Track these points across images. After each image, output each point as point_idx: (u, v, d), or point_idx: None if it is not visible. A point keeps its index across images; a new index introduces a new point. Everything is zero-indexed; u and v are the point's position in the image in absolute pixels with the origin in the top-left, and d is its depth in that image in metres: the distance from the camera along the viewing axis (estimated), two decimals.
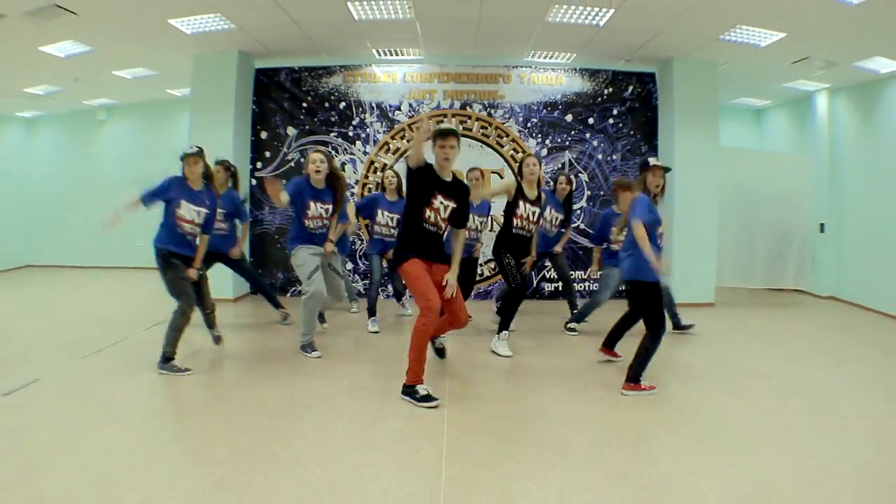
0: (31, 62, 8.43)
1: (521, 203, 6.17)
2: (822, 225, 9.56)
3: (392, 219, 7.02)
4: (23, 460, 3.57)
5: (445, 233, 5.10)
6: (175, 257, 5.45)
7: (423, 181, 4.82)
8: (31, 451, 3.72)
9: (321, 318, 7.17)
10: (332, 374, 5.41)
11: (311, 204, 5.85)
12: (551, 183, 7.32)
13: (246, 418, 4.39)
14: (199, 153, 5.55)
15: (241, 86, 8.89)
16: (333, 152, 9.03)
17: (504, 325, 6.25)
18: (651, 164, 5.03)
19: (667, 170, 5.09)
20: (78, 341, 6.32)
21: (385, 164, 9.00)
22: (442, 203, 4.85)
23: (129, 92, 10.67)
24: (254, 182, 9.19)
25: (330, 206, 5.97)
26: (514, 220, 6.20)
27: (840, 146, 9.57)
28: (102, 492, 3.22)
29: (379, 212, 7.04)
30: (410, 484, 3.40)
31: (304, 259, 5.89)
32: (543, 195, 6.32)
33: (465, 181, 6.40)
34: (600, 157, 9.21)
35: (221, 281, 8.62)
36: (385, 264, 7.33)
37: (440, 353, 5.90)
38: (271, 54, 8.96)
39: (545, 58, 9.11)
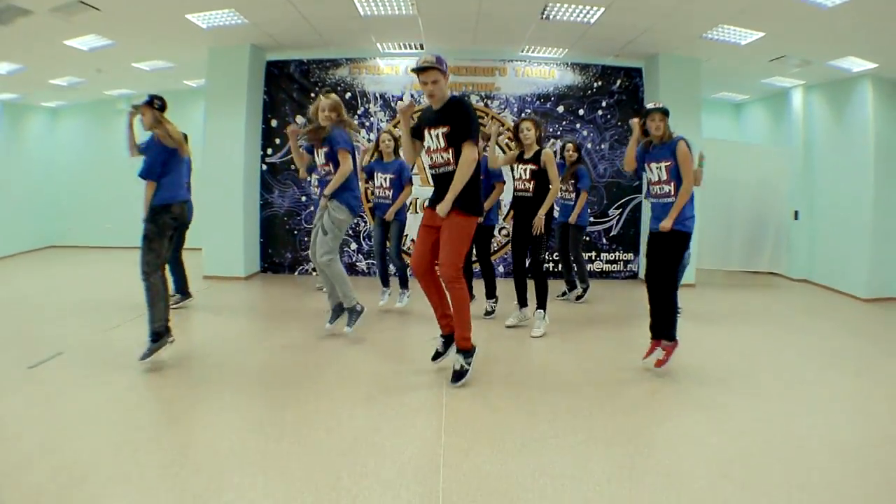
0: (56, 55, 8.43)
1: (515, 165, 6.05)
2: (796, 212, 9.63)
3: (386, 179, 6.84)
4: (47, 430, 3.61)
5: (452, 164, 4.46)
6: None
7: (418, 123, 4.67)
8: (56, 421, 3.75)
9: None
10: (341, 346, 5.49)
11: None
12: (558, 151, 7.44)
13: (254, 391, 4.47)
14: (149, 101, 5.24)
15: (252, 77, 8.93)
16: None
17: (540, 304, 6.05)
18: (648, 108, 4.88)
19: (665, 112, 4.83)
20: (101, 316, 6.35)
21: (380, 131, 9.08)
22: (432, 136, 4.46)
23: (148, 83, 10.60)
24: (264, 167, 9.29)
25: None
26: (514, 183, 6.10)
27: (814, 139, 9.65)
28: (126, 459, 3.26)
29: (375, 175, 6.93)
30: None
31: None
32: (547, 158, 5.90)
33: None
34: (589, 145, 9.27)
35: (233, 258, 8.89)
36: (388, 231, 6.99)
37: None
38: (282, 47, 8.99)
39: (539, 52, 9.16)
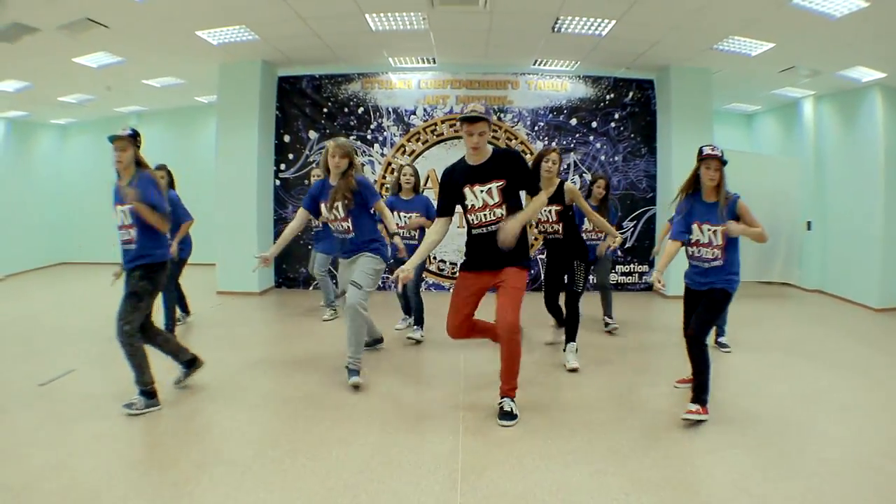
0: (64, 73, 8.32)
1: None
2: (808, 223, 9.45)
3: (409, 218, 6.19)
4: (59, 447, 3.50)
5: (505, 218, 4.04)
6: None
7: (450, 185, 4.17)
8: (67, 438, 3.65)
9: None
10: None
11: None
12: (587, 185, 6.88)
13: (270, 408, 4.35)
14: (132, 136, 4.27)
15: (264, 93, 8.81)
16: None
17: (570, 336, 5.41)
18: (705, 153, 4.06)
19: (723, 162, 4.04)
20: (113, 333, 6.04)
21: (402, 165, 8.80)
22: (480, 192, 4.02)
23: (159, 99, 10.58)
24: (278, 182, 9.16)
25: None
26: (538, 226, 5.44)
27: (825, 149, 9.49)
28: (140, 476, 3.17)
29: (396, 214, 6.12)
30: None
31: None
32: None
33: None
34: (603, 158, 9.14)
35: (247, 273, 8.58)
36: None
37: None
38: (293, 63, 8.87)
39: (551, 65, 9.05)
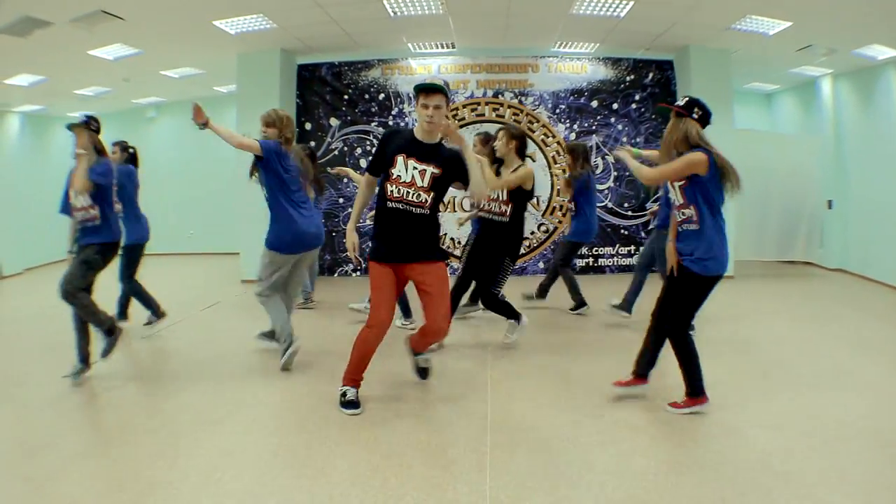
0: (80, 66, 8.25)
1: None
2: (829, 202, 9.28)
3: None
4: (83, 438, 3.55)
5: (429, 211, 3.73)
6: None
7: (385, 146, 3.75)
8: (91, 429, 3.73)
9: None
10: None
11: None
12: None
13: (297, 392, 4.28)
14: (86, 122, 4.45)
15: (284, 81, 8.74)
16: (375, 140, 8.86)
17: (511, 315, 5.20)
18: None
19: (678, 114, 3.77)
20: (131, 326, 6.02)
21: None
22: (412, 168, 3.64)
23: (177, 90, 10.52)
24: None
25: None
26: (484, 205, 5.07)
27: (844, 127, 9.35)
28: (167, 465, 3.13)
29: None
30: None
31: None
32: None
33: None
34: (625, 139, 9.03)
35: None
36: None
37: (422, 373, 4.32)
38: (312, 51, 8.81)
39: (570, 48, 8.94)
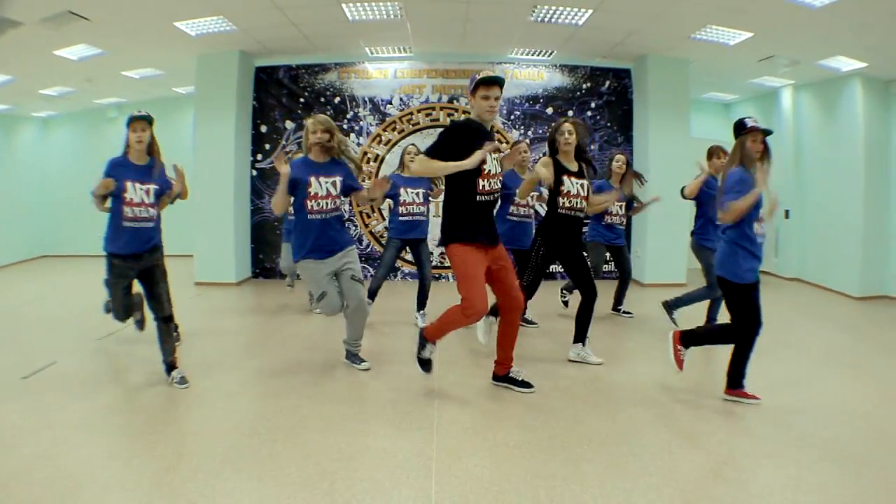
0: (46, 66, 8.42)
1: (564, 178, 4.84)
2: (787, 211, 9.62)
3: (418, 194, 6.05)
4: (42, 438, 3.58)
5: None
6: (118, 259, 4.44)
7: (465, 137, 3.95)
8: (50, 430, 3.72)
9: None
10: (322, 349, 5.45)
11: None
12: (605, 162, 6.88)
13: (248, 396, 4.45)
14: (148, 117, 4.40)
15: (242, 83, 8.91)
16: None
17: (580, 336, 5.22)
18: (749, 125, 3.95)
19: (767, 132, 3.98)
20: (93, 325, 6.26)
21: (377, 155, 9.13)
22: (493, 159, 4.03)
23: (138, 91, 10.67)
24: (255, 173, 9.29)
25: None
26: (560, 200, 4.89)
27: (804, 139, 9.64)
28: (121, 466, 3.25)
29: (402, 190, 6.02)
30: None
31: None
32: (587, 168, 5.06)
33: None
34: None
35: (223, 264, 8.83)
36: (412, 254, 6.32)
37: (524, 385, 4.49)
38: (270, 53, 8.97)
39: (527, 54, 9.16)
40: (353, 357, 5.03)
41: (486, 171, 3.99)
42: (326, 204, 4.53)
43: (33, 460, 3.28)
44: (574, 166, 4.94)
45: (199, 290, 8.42)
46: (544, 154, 5.04)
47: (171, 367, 4.55)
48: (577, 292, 5.41)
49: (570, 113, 9.24)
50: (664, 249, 8.82)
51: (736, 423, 3.96)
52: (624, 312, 7.06)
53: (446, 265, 9.25)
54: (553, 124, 5.09)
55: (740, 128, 3.99)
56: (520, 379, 4.47)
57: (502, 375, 4.52)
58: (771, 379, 4.74)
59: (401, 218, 6.11)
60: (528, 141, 6.49)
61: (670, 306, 6.33)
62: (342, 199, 4.70)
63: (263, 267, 9.43)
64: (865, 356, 5.69)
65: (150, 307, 4.51)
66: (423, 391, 4.48)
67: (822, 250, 9.23)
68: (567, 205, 4.90)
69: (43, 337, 6.01)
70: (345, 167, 4.68)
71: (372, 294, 6.23)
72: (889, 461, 3.40)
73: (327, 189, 4.52)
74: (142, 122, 4.31)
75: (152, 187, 4.37)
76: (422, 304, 6.40)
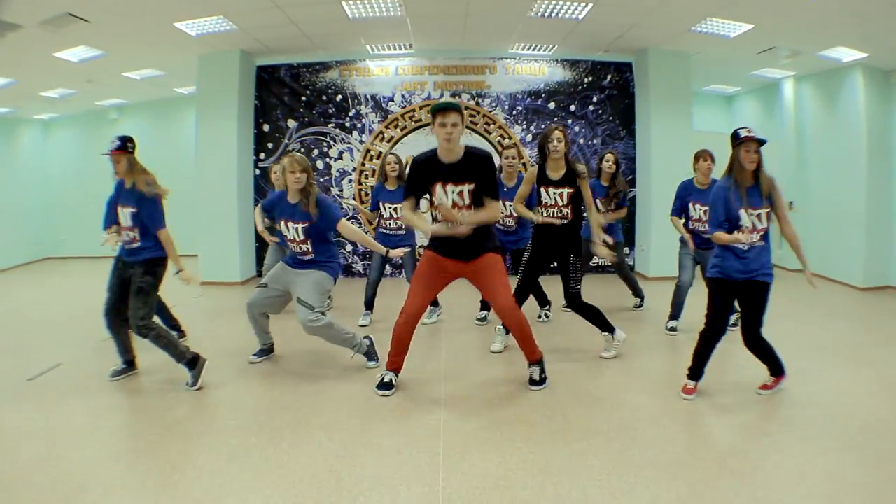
0: (46, 68, 8.42)
1: (542, 190, 5.03)
2: (790, 203, 9.62)
3: (396, 209, 6.09)
4: (47, 441, 3.61)
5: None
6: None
7: (421, 175, 4.14)
8: (55, 432, 3.75)
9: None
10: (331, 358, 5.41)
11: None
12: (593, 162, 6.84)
13: (253, 394, 4.47)
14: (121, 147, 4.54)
15: (243, 83, 8.92)
16: (332, 142, 9.20)
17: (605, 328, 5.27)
18: (742, 136, 3.93)
19: (761, 142, 3.95)
20: (97, 326, 6.14)
21: (380, 152, 9.11)
22: (451, 192, 4.08)
23: (139, 92, 10.68)
24: (258, 172, 9.31)
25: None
26: (540, 210, 5.09)
27: (806, 130, 9.65)
28: (126, 467, 3.27)
29: (381, 204, 6.18)
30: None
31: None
32: (581, 173, 5.01)
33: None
34: (581, 141, 9.29)
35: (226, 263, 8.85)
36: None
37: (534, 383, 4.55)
38: (271, 52, 8.97)
39: (528, 49, 9.14)
40: (356, 355, 5.08)
41: (439, 203, 4.15)
42: (299, 248, 4.79)
43: (38, 462, 3.30)
44: (559, 174, 4.99)
45: (203, 290, 8.42)
46: (533, 164, 5.13)
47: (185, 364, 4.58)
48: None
49: (573, 108, 9.29)
50: (668, 243, 8.80)
51: (740, 415, 3.98)
52: (635, 307, 7.14)
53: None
54: (544, 130, 5.18)
55: (734, 138, 4.02)
56: (535, 378, 4.52)
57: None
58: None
59: (381, 230, 6.31)
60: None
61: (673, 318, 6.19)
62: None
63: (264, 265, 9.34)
64: (870, 347, 5.69)
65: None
66: (429, 387, 4.51)
67: (826, 241, 9.22)
68: (545, 214, 5.05)
69: (47, 339, 6.03)
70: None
71: (368, 303, 6.39)
72: (892, 451, 3.42)
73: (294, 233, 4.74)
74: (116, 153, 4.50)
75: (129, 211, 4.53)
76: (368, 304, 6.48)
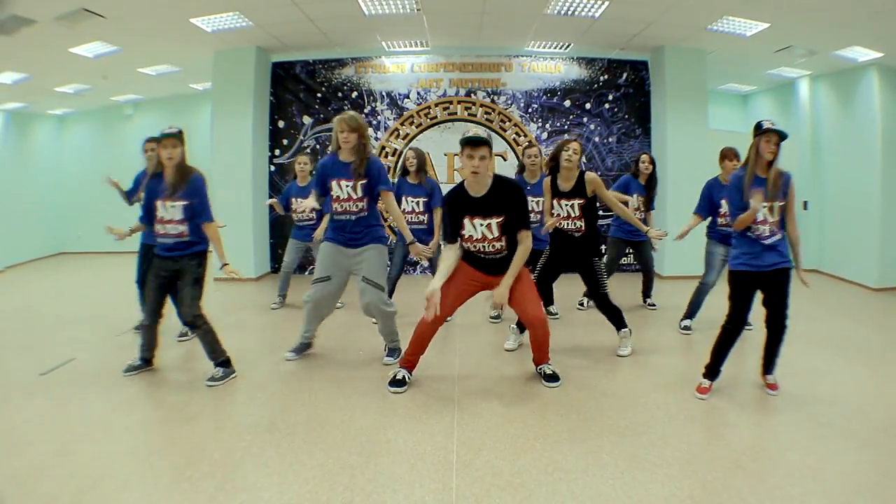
0: (61, 63, 8.47)
1: (553, 201, 5.08)
2: (805, 203, 9.60)
3: (418, 203, 6.09)
4: (60, 436, 3.61)
5: (507, 249, 4.25)
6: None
7: (453, 212, 4.22)
8: (69, 426, 3.76)
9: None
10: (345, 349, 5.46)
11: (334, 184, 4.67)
12: (632, 164, 6.87)
13: (268, 390, 4.45)
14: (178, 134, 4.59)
15: (258, 79, 8.94)
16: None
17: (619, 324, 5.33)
18: (765, 126, 4.01)
19: (783, 136, 4.04)
20: (112, 321, 6.35)
21: (395, 149, 9.16)
22: (479, 225, 4.15)
23: (154, 87, 10.72)
24: (272, 168, 9.32)
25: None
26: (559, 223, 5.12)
27: (821, 129, 9.60)
28: (140, 462, 3.28)
29: (403, 198, 6.09)
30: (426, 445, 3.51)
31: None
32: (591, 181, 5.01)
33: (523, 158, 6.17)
34: (597, 139, 9.28)
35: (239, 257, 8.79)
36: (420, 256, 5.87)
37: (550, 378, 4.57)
38: (287, 49, 9.00)
39: (544, 47, 9.14)
40: (387, 350, 5.09)
41: (468, 236, 4.24)
42: (354, 206, 4.70)
43: (51, 457, 3.32)
44: (569, 185, 5.02)
45: (217, 286, 8.38)
46: (547, 175, 5.19)
47: (217, 364, 4.65)
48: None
49: (588, 106, 9.29)
50: (683, 242, 8.79)
51: (755, 414, 3.98)
52: (649, 305, 7.13)
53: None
54: (559, 141, 5.16)
55: (757, 128, 4.09)
56: (549, 372, 4.54)
57: (535, 368, 4.67)
58: (789, 369, 4.74)
59: None
60: (578, 139, 6.19)
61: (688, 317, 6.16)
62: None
63: (282, 262, 9.33)
64: (884, 347, 5.67)
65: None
66: (442, 385, 4.51)
67: (840, 241, 9.21)
68: (557, 225, 5.09)
69: (61, 333, 6.04)
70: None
71: (388, 295, 6.19)
72: None
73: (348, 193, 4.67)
74: (171, 139, 4.50)
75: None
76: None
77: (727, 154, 5.88)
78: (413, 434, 3.65)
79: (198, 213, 4.52)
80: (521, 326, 5.49)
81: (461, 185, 4.24)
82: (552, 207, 5.10)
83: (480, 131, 4.02)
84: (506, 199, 4.12)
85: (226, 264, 4.58)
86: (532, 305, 4.27)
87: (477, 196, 4.14)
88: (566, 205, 5.03)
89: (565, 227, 5.08)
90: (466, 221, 4.16)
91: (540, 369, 4.59)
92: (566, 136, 5.23)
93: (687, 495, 2.92)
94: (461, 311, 6.38)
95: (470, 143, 3.98)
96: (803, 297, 6.97)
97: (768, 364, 4.38)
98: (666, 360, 5.10)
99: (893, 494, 2.93)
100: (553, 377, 4.50)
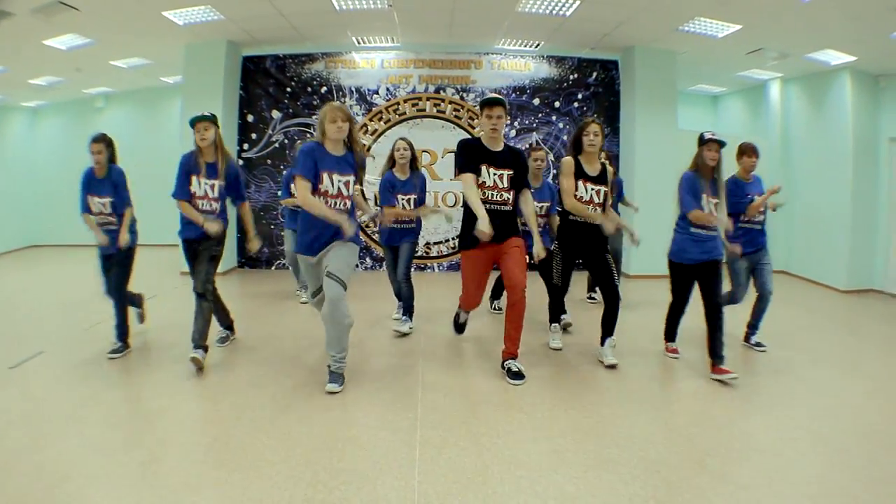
0: (35, 56, 8.48)
1: (579, 184, 4.84)
2: (776, 206, 9.68)
3: (409, 201, 5.69)
4: (29, 429, 3.59)
5: (512, 204, 4.56)
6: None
7: (472, 153, 4.49)
8: (37, 420, 3.74)
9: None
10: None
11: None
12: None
13: (235, 385, 4.45)
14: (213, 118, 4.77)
15: (229, 73, 8.96)
16: (311, 134, 9.17)
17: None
18: (707, 138, 4.64)
19: (722, 144, 4.63)
20: (81, 314, 6.35)
21: (364, 144, 9.13)
22: (493, 174, 4.48)
23: (126, 80, 10.74)
24: (241, 163, 9.27)
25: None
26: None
27: (792, 131, 9.72)
28: (107, 457, 3.26)
29: (397, 198, 5.68)
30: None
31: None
32: (611, 169, 5.03)
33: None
34: (565, 138, 9.32)
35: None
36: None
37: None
38: (258, 43, 9.02)
39: (514, 45, 9.18)
40: (330, 375, 4.37)
41: (481, 183, 4.52)
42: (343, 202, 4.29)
43: (20, 452, 3.30)
44: (595, 170, 4.89)
45: (184, 280, 8.28)
46: (566, 154, 5.01)
47: (196, 346, 4.76)
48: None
49: (557, 104, 9.35)
50: (650, 241, 8.88)
51: (722, 415, 4.00)
52: (588, 298, 7.35)
53: (432, 255, 9.45)
54: (579, 124, 5.03)
55: (700, 140, 4.74)
56: (514, 370, 4.59)
57: (502, 363, 4.75)
58: (758, 371, 4.82)
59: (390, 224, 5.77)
60: (544, 152, 6.11)
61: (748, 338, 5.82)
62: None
63: (248, 256, 9.44)
64: (853, 349, 5.75)
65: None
66: (406, 382, 4.53)
67: (810, 243, 9.31)
68: (578, 219, 4.98)
69: (31, 326, 6.04)
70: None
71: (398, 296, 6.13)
72: (876, 454, 3.43)
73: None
74: (204, 121, 4.72)
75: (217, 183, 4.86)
76: (405, 309, 5.95)
77: (745, 150, 5.53)
78: (376, 431, 3.65)
79: (236, 193, 5.04)
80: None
81: (476, 138, 4.65)
82: (576, 189, 4.84)
83: (499, 95, 4.32)
84: (514, 158, 4.61)
85: (250, 241, 5.07)
86: (519, 269, 4.51)
87: (493, 150, 4.54)
88: (592, 189, 4.86)
89: (589, 210, 4.88)
90: (483, 168, 4.49)
91: (506, 366, 4.64)
92: (587, 119, 5.11)
93: (651, 495, 2.93)
94: (425, 309, 6.49)
95: (488, 103, 4.44)
96: (774, 299, 6.91)
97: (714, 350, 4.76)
98: (631, 361, 5.08)
99: (863, 499, 2.94)
100: (518, 375, 4.53)
